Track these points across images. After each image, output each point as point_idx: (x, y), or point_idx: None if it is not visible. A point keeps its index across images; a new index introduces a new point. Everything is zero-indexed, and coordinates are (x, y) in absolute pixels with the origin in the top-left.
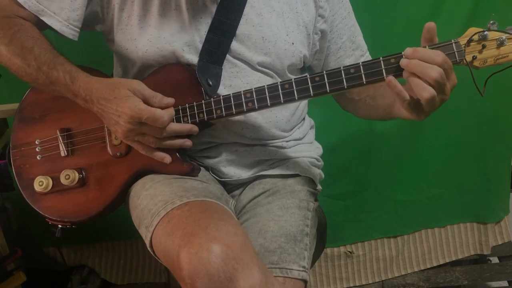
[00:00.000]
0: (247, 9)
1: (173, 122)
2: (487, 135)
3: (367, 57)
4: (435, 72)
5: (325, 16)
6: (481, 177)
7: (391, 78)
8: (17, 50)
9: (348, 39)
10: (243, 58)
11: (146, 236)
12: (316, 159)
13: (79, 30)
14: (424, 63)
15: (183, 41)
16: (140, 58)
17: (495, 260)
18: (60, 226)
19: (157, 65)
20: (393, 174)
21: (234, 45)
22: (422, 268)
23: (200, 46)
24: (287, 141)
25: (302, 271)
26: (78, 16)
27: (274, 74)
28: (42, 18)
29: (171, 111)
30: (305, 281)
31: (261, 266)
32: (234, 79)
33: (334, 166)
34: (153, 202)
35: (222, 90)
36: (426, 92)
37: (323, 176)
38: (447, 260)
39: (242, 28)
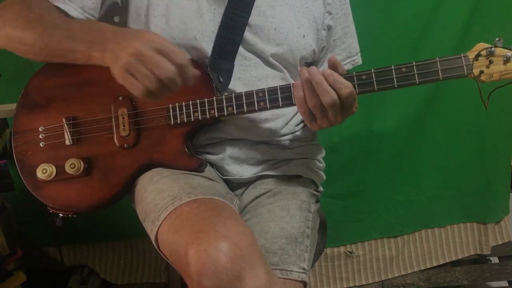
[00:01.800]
0: (260, 1)
1: None
2: (487, 135)
3: (355, 59)
4: (328, 99)
5: (332, 12)
6: (481, 177)
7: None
8: (34, 17)
9: (339, 39)
10: (256, 50)
11: (152, 230)
12: (318, 160)
13: (94, 19)
14: (328, 87)
15: (196, 29)
16: None
17: (495, 260)
18: (61, 215)
19: None
20: (393, 174)
21: (247, 35)
22: (422, 268)
23: (213, 35)
24: (291, 140)
25: (302, 272)
26: (94, 5)
27: (283, 69)
28: (56, 3)
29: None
30: (304, 283)
31: (266, 266)
32: (243, 72)
33: (334, 166)
34: (161, 196)
35: (232, 82)
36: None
37: (324, 177)
38: (447, 260)
39: (255, 19)
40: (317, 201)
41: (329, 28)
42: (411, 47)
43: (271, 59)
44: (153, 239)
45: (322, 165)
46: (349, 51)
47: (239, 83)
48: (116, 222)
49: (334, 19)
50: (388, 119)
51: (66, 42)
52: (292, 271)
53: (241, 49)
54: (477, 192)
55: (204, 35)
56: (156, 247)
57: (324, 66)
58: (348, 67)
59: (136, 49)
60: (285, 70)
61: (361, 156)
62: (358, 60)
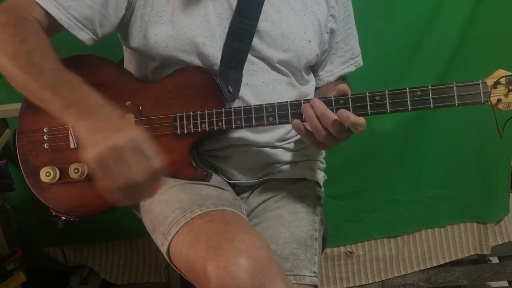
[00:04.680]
0: (266, 6)
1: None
2: (487, 135)
3: (358, 61)
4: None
5: (336, 16)
6: (481, 177)
7: (297, 122)
8: (25, 51)
9: (342, 41)
10: (263, 55)
11: (163, 244)
12: (320, 161)
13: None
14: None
15: (204, 35)
16: (160, 54)
17: (495, 260)
18: (63, 218)
19: (177, 60)
20: (393, 174)
21: (254, 41)
22: (422, 268)
23: (220, 40)
24: (295, 142)
25: (313, 276)
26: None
27: (289, 74)
28: (73, 32)
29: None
30: (315, 286)
31: (283, 278)
32: (250, 78)
33: (334, 166)
34: (170, 208)
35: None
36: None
37: (326, 178)
38: (447, 260)
39: (262, 25)
40: (321, 203)
41: (331, 31)
42: (411, 47)
43: (277, 64)
44: (164, 252)
45: (324, 165)
46: (351, 53)
47: (246, 89)
48: (116, 222)
49: (337, 22)
50: (388, 119)
51: (46, 91)
52: (305, 275)
53: (248, 55)
54: (477, 192)
55: (212, 41)
56: (168, 260)
57: (326, 69)
58: (351, 68)
59: (115, 144)
60: (290, 75)
61: (361, 156)
62: (360, 61)
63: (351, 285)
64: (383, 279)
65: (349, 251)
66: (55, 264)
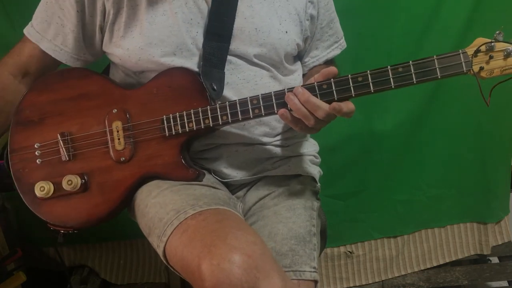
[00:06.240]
0: (237, 3)
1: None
2: (487, 135)
3: (342, 43)
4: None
5: (314, 1)
6: (481, 177)
7: (283, 111)
8: None
9: (327, 25)
10: (239, 53)
11: (158, 246)
12: (314, 156)
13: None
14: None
15: (174, 45)
16: (134, 66)
17: (495, 260)
18: (62, 231)
19: (153, 70)
20: (393, 174)
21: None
22: (422, 268)
23: (192, 47)
24: (285, 139)
25: (313, 271)
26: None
27: (270, 67)
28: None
29: None
30: (316, 282)
31: (280, 272)
32: (230, 76)
33: (334, 166)
34: (164, 210)
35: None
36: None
37: (322, 172)
38: (447, 260)
39: (235, 22)
40: (318, 198)
41: (311, 17)
42: (411, 47)
43: (255, 59)
44: (161, 254)
45: (318, 160)
46: (336, 36)
47: (227, 88)
48: (116, 222)
49: (317, 8)
50: (388, 119)
51: None
52: (305, 271)
53: (227, 52)
54: (477, 192)
55: (183, 50)
56: (165, 262)
57: (311, 55)
58: (336, 51)
59: None
60: (271, 68)
61: (361, 156)
62: (344, 43)
63: (351, 285)
64: (383, 279)
65: (349, 251)
66: (55, 264)
